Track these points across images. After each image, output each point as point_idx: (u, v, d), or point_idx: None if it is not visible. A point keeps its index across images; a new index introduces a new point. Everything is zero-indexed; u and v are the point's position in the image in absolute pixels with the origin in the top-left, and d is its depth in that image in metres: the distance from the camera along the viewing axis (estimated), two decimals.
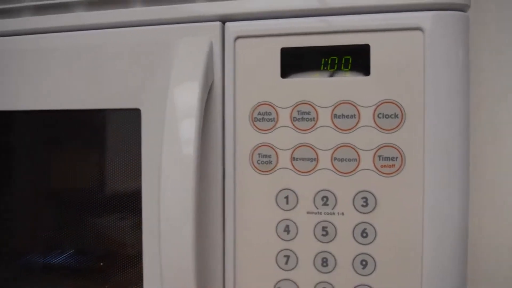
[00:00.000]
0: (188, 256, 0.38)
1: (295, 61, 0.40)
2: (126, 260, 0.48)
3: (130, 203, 0.46)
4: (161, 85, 0.43)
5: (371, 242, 0.39)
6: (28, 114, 0.50)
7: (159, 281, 0.43)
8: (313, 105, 0.40)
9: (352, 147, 0.39)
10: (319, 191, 0.40)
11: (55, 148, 0.51)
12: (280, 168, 0.40)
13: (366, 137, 0.39)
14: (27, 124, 0.51)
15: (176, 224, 0.38)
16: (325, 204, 0.39)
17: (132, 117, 0.45)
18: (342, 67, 0.39)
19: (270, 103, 0.40)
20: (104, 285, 0.48)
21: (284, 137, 0.40)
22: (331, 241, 0.39)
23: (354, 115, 0.39)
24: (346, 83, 0.39)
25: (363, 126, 0.39)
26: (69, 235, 0.50)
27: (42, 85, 0.48)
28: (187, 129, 0.38)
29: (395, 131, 0.38)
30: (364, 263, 0.39)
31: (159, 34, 0.44)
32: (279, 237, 0.40)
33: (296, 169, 0.40)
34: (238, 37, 0.41)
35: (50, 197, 0.51)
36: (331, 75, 0.39)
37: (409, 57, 0.38)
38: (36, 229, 0.52)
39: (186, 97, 0.39)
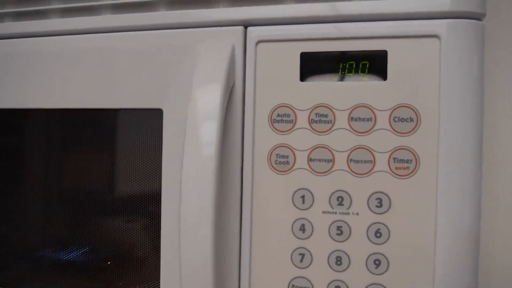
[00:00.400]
0: (207, 255, 0.39)
1: (314, 65, 0.42)
2: (143, 260, 0.49)
3: (149, 203, 0.48)
4: (184, 87, 0.44)
5: (384, 242, 0.40)
6: (50, 113, 0.52)
7: (175, 281, 0.44)
8: (331, 108, 0.41)
9: (368, 149, 0.40)
10: (334, 191, 0.41)
11: (75, 147, 0.52)
12: (297, 169, 0.42)
13: (382, 140, 0.40)
14: (49, 123, 0.53)
15: (195, 223, 0.39)
16: (340, 204, 0.41)
17: (154, 117, 0.46)
18: (359, 72, 0.41)
19: (289, 105, 0.42)
20: (121, 286, 0.49)
21: (302, 139, 0.42)
22: (345, 240, 0.41)
23: (371, 118, 0.40)
24: (363, 87, 0.40)
25: (379, 129, 0.40)
26: (85, 234, 0.51)
27: (67, 84, 0.50)
28: (209, 131, 0.40)
29: (410, 135, 0.39)
30: (377, 262, 0.40)
31: (183, 38, 0.45)
32: (295, 235, 0.42)
33: (312, 170, 0.41)
34: (259, 41, 0.43)
35: (67, 197, 0.53)
36: (349, 79, 0.41)
37: (426, 63, 0.39)
38: (51, 228, 0.53)
39: (208, 99, 0.41)
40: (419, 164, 0.39)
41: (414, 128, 0.39)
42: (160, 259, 0.46)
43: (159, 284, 0.46)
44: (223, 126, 0.41)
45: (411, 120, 0.39)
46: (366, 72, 0.40)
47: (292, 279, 0.42)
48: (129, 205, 0.49)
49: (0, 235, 0.56)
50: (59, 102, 0.50)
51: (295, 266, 0.42)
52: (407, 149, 0.39)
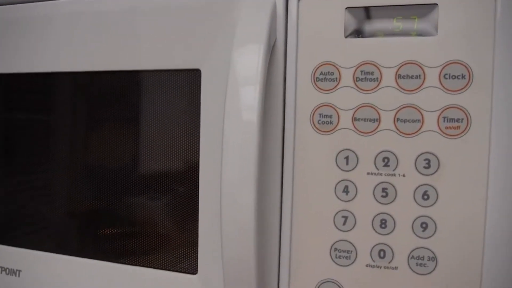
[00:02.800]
0: (249, 220, 0.38)
1: (360, 21, 0.40)
2: (182, 223, 0.48)
3: (187, 168, 0.47)
4: (223, 46, 0.43)
5: (432, 205, 0.38)
6: (84, 75, 0.51)
7: (214, 248, 0.43)
8: (377, 65, 0.39)
9: (416, 108, 0.38)
10: (380, 152, 0.39)
11: (109, 113, 0.51)
12: (341, 129, 0.40)
13: (431, 98, 0.38)
14: (82, 86, 0.52)
15: (238, 189, 0.38)
16: (386, 165, 0.39)
17: (191, 78, 0.45)
18: (408, 27, 0.39)
19: (333, 63, 0.40)
20: (159, 254, 0.49)
21: (346, 97, 0.40)
22: (391, 202, 0.39)
23: (419, 75, 0.38)
24: (412, 43, 0.39)
25: (429, 87, 0.38)
26: (122, 204, 0.51)
27: (97, 46, 0.49)
28: (251, 94, 0.39)
29: (462, 92, 0.38)
30: (424, 225, 0.38)
31: None
32: (338, 197, 0.40)
33: (357, 130, 0.40)
34: None
35: (101, 165, 0.52)
36: (397, 35, 0.39)
37: (479, 17, 0.37)
38: (88, 198, 0.53)
39: (250, 61, 0.39)
40: (471, 123, 0.37)
41: (466, 86, 0.37)
42: (198, 228, 0.45)
43: (197, 251, 0.46)
44: (265, 89, 0.39)
45: (463, 77, 0.37)
46: (415, 27, 0.38)
47: (335, 242, 0.41)
48: (164, 175, 0.48)
49: (29, 210, 0.56)
50: (87, 65, 0.49)
51: (338, 229, 0.41)
52: (458, 108, 0.38)
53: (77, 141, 0.53)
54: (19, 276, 0.54)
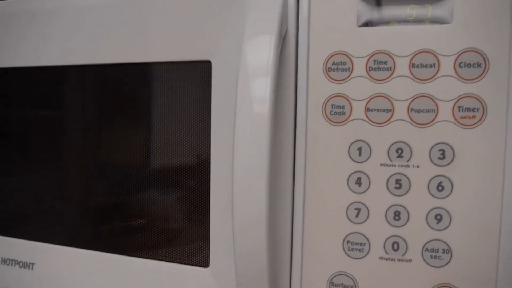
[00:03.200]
0: (261, 212, 0.38)
1: (373, 9, 0.39)
2: (193, 217, 0.48)
3: (198, 162, 0.47)
4: (234, 37, 0.43)
5: (447, 196, 0.38)
6: (88, 70, 0.51)
7: (226, 240, 0.43)
8: (390, 55, 0.39)
9: (430, 98, 0.38)
10: (393, 143, 0.39)
11: (122, 102, 0.51)
12: (353, 119, 0.40)
13: (446, 87, 0.37)
14: (92, 79, 0.52)
15: (250, 181, 0.38)
16: (400, 156, 0.38)
17: (202, 70, 0.45)
18: (422, 15, 0.38)
19: (345, 53, 0.40)
20: (171, 248, 0.49)
21: (358, 88, 0.39)
22: (404, 194, 0.39)
23: (434, 64, 0.38)
24: (426, 32, 0.38)
25: (443, 75, 0.37)
26: (133, 199, 0.51)
27: (106, 39, 0.48)
28: (262, 86, 0.38)
29: (477, 81, 0.37)
30: (438, 217, 0.38)
31: None
32: (351, 189, 0.40)
33: (370, 120, 0.39)
34: None
35: (113, 160, 0.52)
36: (410, 23, 0.38)
37: (495, 4, 0.36)
38: (100, 194, 0.53)
39: (261, 51, 0.39)
40: (487, 113, 0.37)
41: (481, 75, 0.37)
42: (209, 221, 0.45)
43: (209, 245, 0.45)
44: (276, 81, 0.39)
45: (479, 65, 0.37)
46: (429, 15, 0.38)
47: (348, 235, 0.40)
48: (176, 168, 0.48)
49: (43, 204, 0.56)
50: (96, 58, 0.49)
51: (351, 221, 0.40)
52: (474, 97, 0.37)
53: (88, 135, 0.53)
54: (32, 269, 0.55)
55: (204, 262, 0.46)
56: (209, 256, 0.46)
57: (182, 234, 0.49)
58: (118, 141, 0.51)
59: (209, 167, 0.45)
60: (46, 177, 0.55)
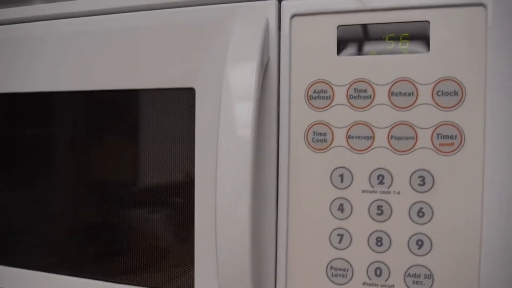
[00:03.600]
0: (244, 237, 0.38)
1: (352, 39, 0.40)
2: (178, 239, 0.48)
3: (182, 187, 0.47)
4: (217, 64, 0.43)
5: (427, 222, 0.38)
6: (76, 96, 0.51)
7: (210, 265, 0.43)
8: (370, 83, 0.39)
9: (409, 125, 0.38)
10: (374, 170, 0.39)
11: (103, 131, 0.52)
12: (335, 146, 0.40)
13: (425, 115, 0.38)
14: (76, 107, 0.52)
15: (232, 206, 0.38)
16: (381, 182, 0.39)
17: (186, 97, 0.45)
18: (400, 44, 0.39)
19: (326, 81, 0.40)
20: (156, 272, 0.49)
21: (340, 115, 0.40)
22: (386, 220, 0.39)
23: (412, 92, 0.38)
24: (404, 61, 0.39)
25: (422, 104, 0.38)
26: (115, 221, 0.51)
27: (92, 66, 0.49)
28: (244, 111, 0.39)
29: (455, 109, 0.38)
30: (420, 243, 0.38)
31: (214, 13, 0.44)
32: (333, 215, 0.40)
33: (351, 147, 0.40)
34: (294, 15, 0.41)
35: (95, 182, 0.52)
36: (389, 53, 0.39)
37: (470, 34, 0.37)
38: (81, 216, 0.53)
39: (243, 78, 0.39)
40: (465, 140, 0.37)
41: (458, 102, 0.38)
42: (194, 244, 0.45)
43: (194, 268, 0.45)
44: (258, 106, 0.39)
45: (456, 93, 0.37)
46: (407, 45, 0.39)
47: (331, 261, 0.41)
48: (161, 190, 0.48)
49: (29, 223, 0.55)
50: (84, 84, 0.50)
51: (334, 247, 0.40)
52: (452, 125, 0.38)
53: (76, 157, 0.53)
54: None
55: (188, 286, 0.46)
56: (193, 280, 0.46)
57: (167, 257, 0.49)
58: (105, 162, 0.51)
59: (194, 190, 0.45)
60: (29, 198, 0.55)
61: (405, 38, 0.39)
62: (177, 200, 0.47)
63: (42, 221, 0.54)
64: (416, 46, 0.38)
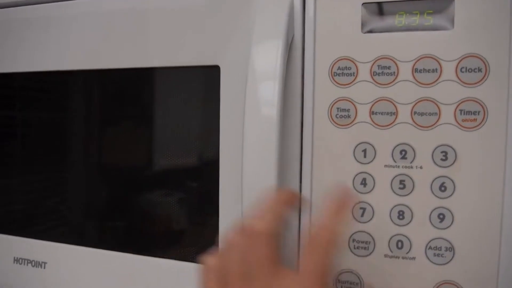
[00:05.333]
0: None
1: (377, 16, 0.40)
2: (202, 218, 0.49)
3: (207, 165, 0.48)
4: (242, 42, 0.44)
5: (449, 196, 0.39)
6: (94, 73, 0.52)
7: None
8: (394, 60, 0.40)
9: (432, 101, 0.39)
10: (397, 145, 0.40)
11: (128, 110, 0.53)
12: (358, 122, 0.41)
13: (448, 91, 0.39)
14: (93, 83, 0.54)
15: (258, 185, 0.39)
16: (403, 157, 0.40)
17: (211, 74, 0.46)
18: (424, 22, 0.39)
19: (350, 58, 0.41)
20: (181, 247, 0.50)
21: (363, 92, 0.41)
22: (408, 194, 0.40)
23: (436, 69, 0.39)
24: (428, 37, 0.39)
25: (445, 80, 0.39)
26: (137, 200, 0.52)
27: (116, 44, 0.50)
28: (270, 91, 0.39)
29: (478, 85, 0.38)
30: (441, 216, 0.39)
31: None
32: (356, 190, 0.41)
33: (374, 123, 0.41)
34: None
35: (120, 163, 0.54)
36: (413, 29, 0.40)
37: (495, 10, 0.38)
38: (102, 195, 0.54)
39: (269, 57, 0.40)
40: (487, 116, 0.38)
41: (482, 79, 0.38)
42: (218, 226, 0.46)
43: (218, 244, 0.47)
44: (284, 85, 0.40)
45: (479, 70, 0.38)
46: (432, 21, 0.39)
47: (353, 234, 0.42)
48: (186, 170, 0.50)
49: (48, 206, 0.57)
50: (106, 62, 0.51)
51: (356, 220, 0.42)
52: (475, 101, 0.38)
53: (94, 139, 0.55)
54: (44, 268, 0.56)
55: None
56: None
57: (192, 233, 0.51)
58: (126, 145, 0.52)
59: (218, 169, 0.46)
60: (51, 180, 0.57)
61: (429, 15, 0.39)
62: (201, 179, 0.48)
63: (66, 201, 0.56)
64: (441, 22, 0.39)
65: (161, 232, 0.52)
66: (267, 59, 0.40)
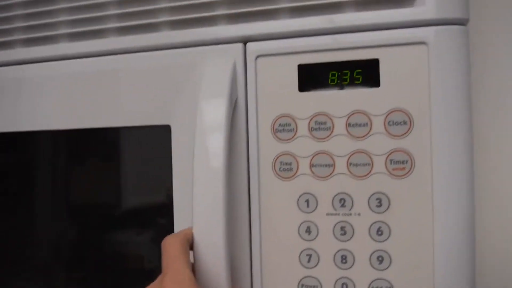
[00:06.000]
0: (220, 259, 0.42)
1: (311, 76, 0.44)
2: (154, 273, 0.52)
3: (162, 216, 0.50)
4: (190, 103, 0.47)
5: (386, 239, 0.43)
6: (59, 134, 0.55)
7: None
8: (329, 116, 0.44)
9: (365, 153, 0.43)
10: (336, 194, 0.44)
11: (86, 167, 0.55)
12: (300, 174, 0.44)
13: (378, 143, 0.43)
14: (59, 144, 0.56)
15: (208, 231, 0.42)
16: (343, 205, 0.43)
17: (163, 133, 0.49)
18: (354, 80, 0.43)
19: (289, 115, 0.45)
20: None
21: (303, 146, 0.44)
22: (349, 239, 0.43)
23: (367, 123, 0.43)
24: (358, 94, 0.43)
25: (375, 133, 0.43)
26: (95, 248, 0.54)
27: (76, 106, 0.53)
28: (216, 144, 0.42)
29: (405, 137, 0.42)
30: (380, 258, 0.43)
31: (186, 56, 0.48)
32: (301, 237, 0.44)
33: (315, 175, 0.44)
34: (258, 56, 0.46)
35: (74, 212, 0.56)
36: (345, 88, 0.43)
37: (415, 69, 0.42)
38: (63, 242, 0.56)
39: (214, 113, 0.43)
40: (414, 164, 0.42)
41: (407, 131, 0.42)
42: None
43: None
44: (229, 138, 0.43)
45: (405, 123, 0.42)
46: (361, 80, 0.43)
47: (302, 279, 0.44)
48: (142, 220, 0.52)
49: (13, 250, 0.58)
50: (68, 123, 0.53)
51: (303, 266, 0.44)
52: (402, 151, 0.42)
53: (61, 190, 0.56)
54: None
55: None
56: None
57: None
58: (88, 193, 0.54)
59: (173, 218, 0.49)
60: (16, 226, 0.58)
61: (358, 74, 0.43)
62: (158, 223, 0.51)
63: (29, 248, 0.57)
64: (369, 80, 0.43)
65: (121, 276, 0.54)
66: (213, 116, 0.43)
